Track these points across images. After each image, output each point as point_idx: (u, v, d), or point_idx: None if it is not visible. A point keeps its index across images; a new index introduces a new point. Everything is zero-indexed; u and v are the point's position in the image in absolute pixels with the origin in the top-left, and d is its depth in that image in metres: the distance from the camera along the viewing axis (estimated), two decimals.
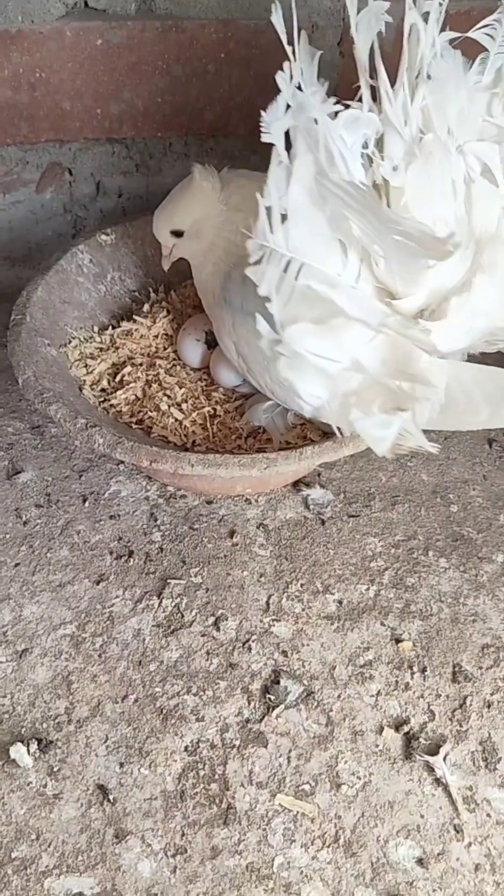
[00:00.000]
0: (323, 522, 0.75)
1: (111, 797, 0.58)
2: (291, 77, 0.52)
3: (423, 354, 0.57)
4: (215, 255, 0.72)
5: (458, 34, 0.57)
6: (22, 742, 0.60)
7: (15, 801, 0.58)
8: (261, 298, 0.65)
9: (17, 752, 0.59)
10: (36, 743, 0.60)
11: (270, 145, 0.90)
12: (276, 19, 0.52)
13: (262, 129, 0.51)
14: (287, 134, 0.52)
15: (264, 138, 0.51)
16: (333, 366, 0.56)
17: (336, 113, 0.53)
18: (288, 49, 0.52)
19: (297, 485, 0.78)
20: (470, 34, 0.57)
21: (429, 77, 0.55)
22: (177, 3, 0.82)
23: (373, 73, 0.56)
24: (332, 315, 0.54)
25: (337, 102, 0.53)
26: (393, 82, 0.56)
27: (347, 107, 0.54)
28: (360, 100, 0.56)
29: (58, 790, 0.58)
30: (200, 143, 0.91)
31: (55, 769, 0.59)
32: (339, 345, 0.55)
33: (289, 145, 0.52)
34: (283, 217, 0.52)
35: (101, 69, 0.84)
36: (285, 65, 0.52)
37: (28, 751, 0.59)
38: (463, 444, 0.83)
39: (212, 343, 0.77)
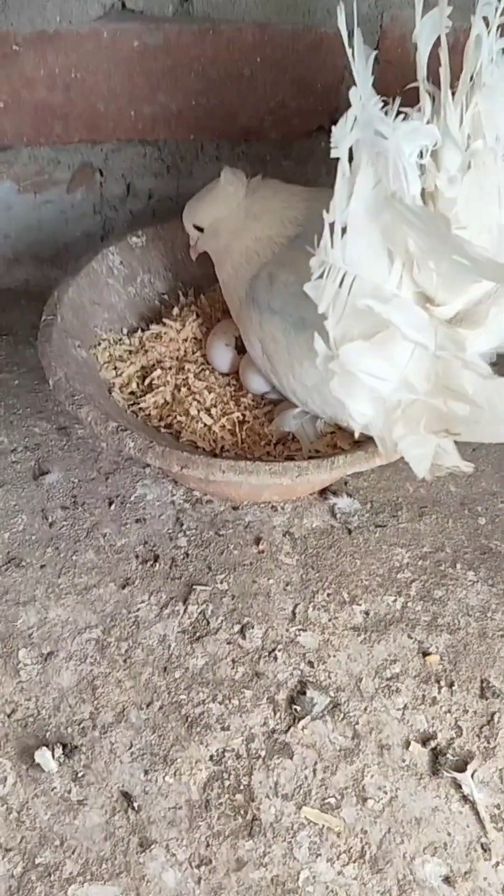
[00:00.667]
0: (350, 532, 0.75)
1: (136, 805, 0.57)
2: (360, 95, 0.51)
3: (466, 371, 0.56)
4: (233, 258, 0.73)
5: None
6: (47, 746, 0.59)
7: (39, 806, 0.57)
8: (285, 297, 0.66)
9: (43, 756, 0.59)
10: (61, 748, 0.60)
11: (303, 152, 0.90)
12: (340, 20, 0.52)
13: (331, 146, 0.50)
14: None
15: (333, 154, 0.50)
16: (384, 385, 0.55)
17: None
18: (348, 51, 0.51)
19: (323, 493, 0.77)
20: None
21: (483, 84, 0.55)
22: (214, 6, 0.81)
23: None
24: (380, 328, 0.54)
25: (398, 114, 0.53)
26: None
27: (404, 115, 0.54)
28: (406, 107, 0.55)
29: (82, 796, 0.58)
30: (232, 146, 0.91)
31: (80, 775, 0.59)
32: (388, 360, 0.55)
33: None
34: (343, 231, 0.52)
35: (137, 71, 0.83)
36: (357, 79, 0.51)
37: (53, 755, 0.59)
38: (491, 456, 0.82)
39: (241, 348, 0.76)
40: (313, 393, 0.67)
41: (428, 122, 0.54)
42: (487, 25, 0.54)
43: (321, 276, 0.54)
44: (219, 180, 0.73)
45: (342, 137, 0.50)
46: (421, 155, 0.54)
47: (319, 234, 0.58)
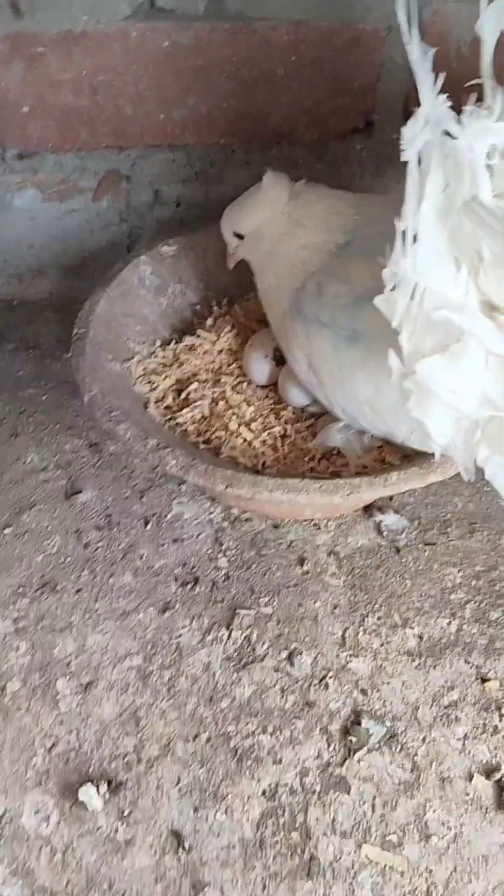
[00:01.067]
0: (398, 550, 0.71)
1: (186, 844, 0.54)
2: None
3: None
4: (276, 266, 0.70)
5: None
6: (91, 782, 0.56)
7: (85, 847, 0.54)
8: (335, 309, 0.63)
9: (87, 793, 0.56)
10: (105, 784, 0.57)
11: (338, 155, 0.86)
12: (401, 16, 0.49)
13: (401, 148, 0.47)
14: None
15: (404, 157, 0.47)
16: (465, 402, 0.52)
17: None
18: (409, 48, 0.48)
19: (368, 509, 0.74)
20: None
21: None
22: (247, 3, 0.78)
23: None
24: (453, 341, 0.51)
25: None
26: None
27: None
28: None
29: (129, 835, 0.55)
30: (264, 150, 0.88)
31: (126, 812, 0.56)
32: (465, 374, 0.52)
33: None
34: (413, 238, 0.49)
35: (167, 72, 0.80)
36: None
37: (98, 792, 0.56)
38: None
39: (280, 360, 0.73)
40: (365, 408, 0.64)
41: (498, 121, 0.51)
42: None
43: (392, 289, 0.51)
44: (261, 184, 0.71)
45: (413, 138, 0.47)
46: (488, 156, 0.51)
47: (371, 242, 0.55)
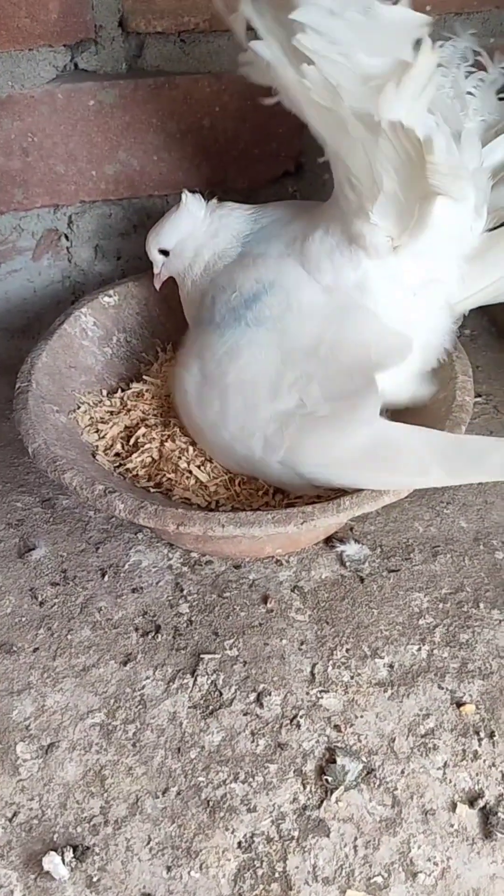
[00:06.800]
0: (362, 580, 0.70)
1: None
2: None
3: None
4: (194, 273, 0.75)
5: None
6: (55, 850, 0.53)
7: None
8: (227, 311, 0.69)
9: (51, 862, 0.52)
10: (71, 850, 0.53)
11: (270, 199, 0.88)
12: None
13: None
14: None
15: None
16: None
17: None
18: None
19: (329, 541, 0.73)
20: None
21: None
22: (167, 59, 0.81)
23: None
24: None
25: None
26: None
27: None
28: None
29: None
30: None
31: (95, 879, 0.52)
32: None
33: None
34: None
35: (95, 130, 0.82)
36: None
37: (63, 860, 0.53)
38: (500, 487, 0.78)
39: None
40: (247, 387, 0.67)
41: None
42: None
43: None
44: (177, 205, 0.76)
45: None
46: None
47: (264, 243, 0.68)
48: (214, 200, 0.75)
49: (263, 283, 0.68)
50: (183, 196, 0.75)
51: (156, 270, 0.78)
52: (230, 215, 0.74)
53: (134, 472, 0.70)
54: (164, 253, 0.77)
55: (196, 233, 0.74)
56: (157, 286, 0.80)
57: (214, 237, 0.74)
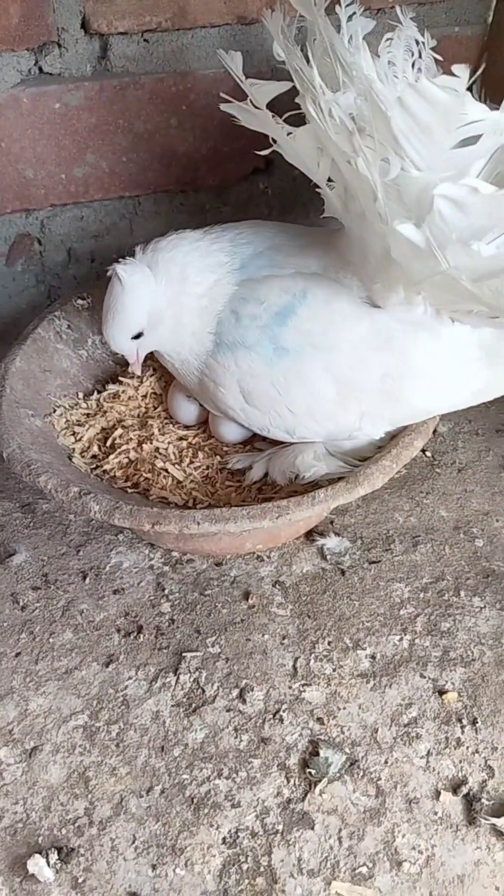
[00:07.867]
0: (343, 572, 0.70)
1: None
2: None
3: None
4: (186, 328, 0.68)
5: None
6: (40, 853, 0.53)
7: None
8: (256, 331, 0.65)
9: (36, 865, 0.52)
10: (56, 852, 0.53)
11: (242, 196, 0.88)
12: None
13: None
14: None
15: None
16: None
17: None
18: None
19: (310, 535, 0.73)
20: None
21: None
22: (132, 59, 0.80)
23: None
24: None
25: None
26: None
27: None
28: None
29: None
30: (170, 199, 0.89)
31: (80, 880, 0.52)
32: None
33: None
34: None
35: (62, 133, 0.82)
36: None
37: (48, 862, 0.53)
38: (479, 475, 0.78)
39: None
40: (305, 418, 0.66)
41: None
42: None
43: None
44: (116, 286, 0.66)
45: None
46: None
47: (269, 259, 0.64)
48: (140, 248, 0.68)
49: (293, 292, 0.64)
50: (116, 271, 0.65)
51: (132, 360, 0.70)
52: (186, 255, 0.67)
53: (111, 474, 0.70)
54: (138, 336, 0.68)
55: (157, 291, 0.66)
56: (138, 373, 0.73)
57: (186, 280, 0.66)
